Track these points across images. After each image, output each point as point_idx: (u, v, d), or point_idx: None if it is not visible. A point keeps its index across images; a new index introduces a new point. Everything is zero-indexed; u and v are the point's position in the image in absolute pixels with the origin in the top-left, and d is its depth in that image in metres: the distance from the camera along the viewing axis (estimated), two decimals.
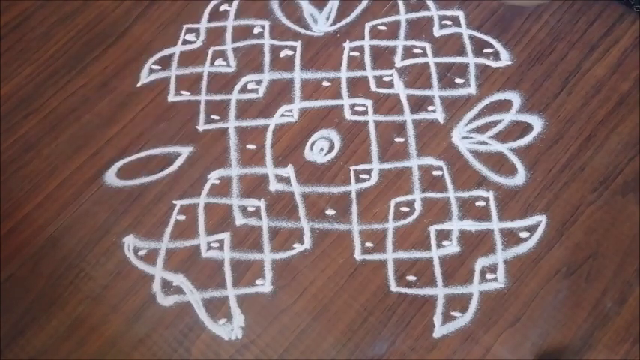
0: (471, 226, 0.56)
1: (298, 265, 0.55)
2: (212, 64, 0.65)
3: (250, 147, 0.60)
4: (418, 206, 0.57)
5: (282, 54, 0.64)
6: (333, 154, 0.60)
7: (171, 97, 0.63)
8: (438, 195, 0.57)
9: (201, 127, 0.62)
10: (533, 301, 0.53)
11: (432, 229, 0.56)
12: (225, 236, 0.57)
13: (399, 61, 0.63)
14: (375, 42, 0.64)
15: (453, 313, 0.53)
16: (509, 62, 0.62)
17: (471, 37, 0.63)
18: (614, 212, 0.55)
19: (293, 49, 0.65)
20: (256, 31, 0.66)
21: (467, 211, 0.56)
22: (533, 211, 0.56)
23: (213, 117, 0.62)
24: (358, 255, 0.55)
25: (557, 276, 0.53)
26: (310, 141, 0.60)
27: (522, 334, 0.52)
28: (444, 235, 0.55)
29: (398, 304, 0.53)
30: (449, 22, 0.64)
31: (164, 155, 0.61)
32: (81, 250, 0.57)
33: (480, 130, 0.59)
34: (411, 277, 0.54)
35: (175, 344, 0.53)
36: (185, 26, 0.67)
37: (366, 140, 0.60)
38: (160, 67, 0.65)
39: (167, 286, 0.55)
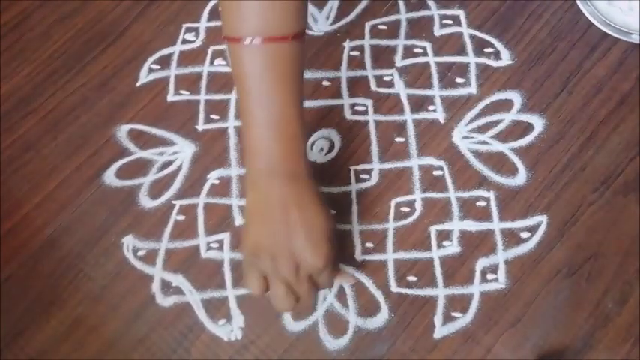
0: (471, 226, 0.55)
1: None
2: (211, 63, 0.64)
3: None
4: (419, 206, 0.57)
5: None
6: (333, 154, 0.59)
7: (171, 97, 0.63)
8: (439, 195, 0.57)
9: (200, 126, 0.61)
10: (534, 302, 0.52)
11: (433, 230, 0.56)
12: (225, 236, 0.57)
13: (399, 61, 0.63)
14: (376, 41, 0.64)
15: (454, 314, 0.53)
16: (510, 62, 0.62)
17: (472, 37, 0.63)
18: (615, 212, 0.55)
19: None
20: None
21: (467, 212, 0.56)
22: (534, 211, 0.56)
23: (212, 116, 0.62)
24: (358, 255, 0.55)
25: (558, 276, 0.53)
26: (310, 141, 0.60)
27: (523, 334, 0.52)
28: (444, 236, 0.55)
29: (398, 305, 0.53)
30: (449, 22, 0.64)
31: (163, 155, 0.60)
32: (80, 250, 0.57)
33: (481, 129, 0.59)
34: (411, 278, 0.54)
35: (175, 345, 0.53)
36: (184, 25, 0.67)
37: (367, 140, 0.60)
38: (159, 67, 0.64)
39: (166, 286, 0.55)
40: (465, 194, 0.57)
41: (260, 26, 0.43)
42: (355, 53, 0.64)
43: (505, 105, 0.60)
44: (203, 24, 0.67)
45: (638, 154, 0.57)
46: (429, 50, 0.63)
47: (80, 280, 0.56)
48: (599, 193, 0.56)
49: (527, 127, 0.59)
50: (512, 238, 0.55)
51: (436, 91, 0.61)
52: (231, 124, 0.61)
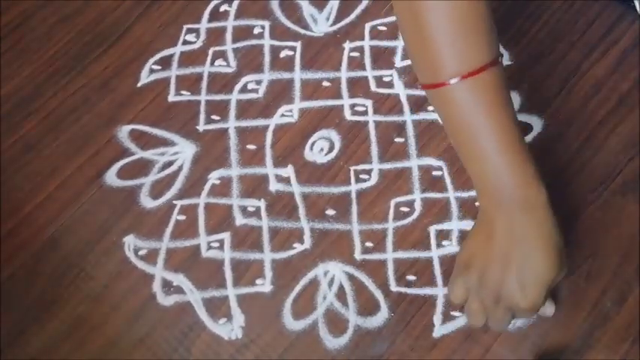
0: (470, 225, 0.55)
1: (298, 264, 0.55)
2: (212, 64, 0.65)
3: (250, 147, 0.60)
4: (418, 206, 0.57)
5: (282, 54, 0.64)
6: (333, 154, 0.60)
7: (172, 98, 0.63)
8: (438, 195, 0.57)
9: (201, 127, 0.62)
10: None
11: (432, 229, 0.56)
12: (226, 236, 0.57)
13: (398, 62, 0.63)
14: (375, 42, 0.64)
15: (453, 313, 0.53)
16: (509, 62, 0.62)
17: None
18: (613, 212, 0.55)
19: (293, 49, 0.65)
20: (256, 31, 0.66)
21: (467, 211, 0.56)
22: None
23: (213, 117, 0.62)
24: (358, 255, 0.55)
25: None
26: (310, 141, 0.60)
27: (522, 333, 0.52)
28: (443, 235, 0.56)
29: (398, 304, 0.53)
30: None
31: (164, 155, 0.61)
32: (81, 249, 0.57)
33: None
34: (410, 277, 0.54)
35: (176, 344, 0.53)
36: (185, 26, 0.67)
37: (366, 140, 0.60)
38: (160, 68, 0.65)
39: (167, 285, 0.55)
40: (464, 194, 0.57)
41: (459, 65, 0.42)
42: (355, 54, 0.64)
43: None
44: (204, 25, 0.67)
45: (637, 155, 0.57)
46: None
47: (81, 279, 0.56)
48: (597, 193, 0.56)
49: (526, 128, 0.59)
50: None
51: None
52: (232, 124, 0.62)
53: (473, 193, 0.57)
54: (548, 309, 0.49)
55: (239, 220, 0.57)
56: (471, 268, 0.45)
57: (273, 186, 0.59)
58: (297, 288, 0.54)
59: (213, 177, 0.59)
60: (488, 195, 0.44)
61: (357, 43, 0.64)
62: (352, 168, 0.59)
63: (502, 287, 0.43)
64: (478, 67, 0.42)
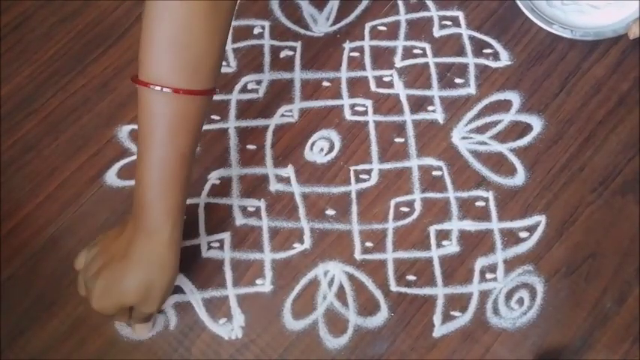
0: (470, 226, 0.56)
1: (298, 264, 0.55)
2: None
3: (250, 147, 0.60)
4: (418, 206, 0.57)
5: (282, 54, 0.64)
6: (333, 154, 0.60)
7: None
8: (438, 195, 0.57)
9: None
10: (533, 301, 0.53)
11: (432, 229, 0.56)
12: (226, 236, 0.57)
13: (398, 62, 0.63)
14: (375, 42, 0.64)
15: (453, 313, 0.53)
16: (509, 62, 0.62)
17: (471, 38, 0.63)
18: (613, 212, 0.55)
19: (293, 49, 0.65)
20: (256, 31, 0.66)
21: (466, 211, 0.56)
22: (533, 211, 0.56)
23: (213, 117, 0.62)
24: (358, 255, 0.55)
25: (556, 276, 0.54)
26: (310, 141, 0.60)
27: (522, 333, 0.52)
28: (443, 235, 0.56)
29: (398, 304, 0.53)
30: (449, 23, 0.64)
31: None
32: (81, 250, 0.57)
33: (480, 130, 0.60)
34: (410, 277, 0.54)
35: (176, 344, 0.53)
36: None
37: (366, 140, 0.60)
38: None
39: None
40: (464, 194, 0.57)
41: (170, 77, 0.44)
42: (355, 54, 0.64)
43: (504, 105, 0.60)
44: None
45: (637, 154, 0.57)
46: (429, 51, 0.63)
47: None
48: (597, 193, 0.56)
49: (526, 128, 0.59)
50: (511, 237, 0.55)
51: (435, 92, 0.61)
52: (232, 124, 0.62)
53: (473, 193, 0.57)
54: (138, 330, 0.52)
55: (239, 220, 0.57)
56: (100, 251, 0.50)
57: (273, 186, 0.59)
58: (297, 288, 0.54)
59: (213, 177, 0.59)
60: (137, 203, 0.47)
61: (357, 43, 0.64)
62: (352, 168, 0.59)
63: (95, 277, 0.48)
64: (189, 89, 0.44)
